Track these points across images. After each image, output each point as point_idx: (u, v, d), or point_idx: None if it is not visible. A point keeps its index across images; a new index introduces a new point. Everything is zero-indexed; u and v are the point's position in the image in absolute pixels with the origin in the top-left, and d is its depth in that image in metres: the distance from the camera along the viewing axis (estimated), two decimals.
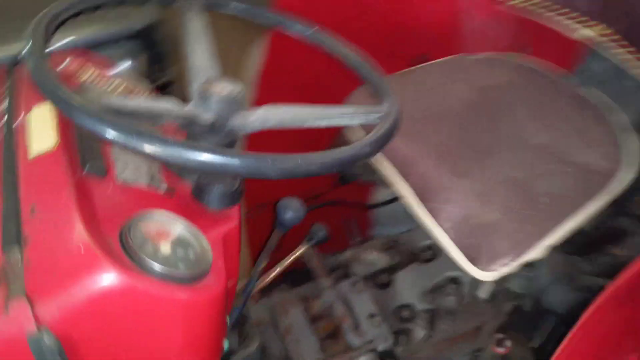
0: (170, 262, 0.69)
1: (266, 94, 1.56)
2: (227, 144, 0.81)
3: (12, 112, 0.83)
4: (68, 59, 0.90)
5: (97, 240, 0.64)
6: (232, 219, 0.82)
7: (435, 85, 1.25)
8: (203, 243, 0.74)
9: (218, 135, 0.79)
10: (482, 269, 0.95)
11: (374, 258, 1.41)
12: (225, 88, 0.79)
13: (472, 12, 1.48)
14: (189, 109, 0.78)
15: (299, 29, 0.96)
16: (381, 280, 1.37)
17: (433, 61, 1.36)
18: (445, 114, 1.15)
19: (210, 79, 0.81)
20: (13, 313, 0.59)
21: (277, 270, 1.29)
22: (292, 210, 1.00)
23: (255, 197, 1.77)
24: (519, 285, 1.29)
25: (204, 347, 0.75)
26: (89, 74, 0.86)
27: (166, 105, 0.75)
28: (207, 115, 0.77)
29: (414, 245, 1.41)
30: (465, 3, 1.49)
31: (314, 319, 1.33)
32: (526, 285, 1.28)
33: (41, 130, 0.77)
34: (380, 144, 0.73)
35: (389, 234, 1.53)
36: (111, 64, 1.00)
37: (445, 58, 1.35)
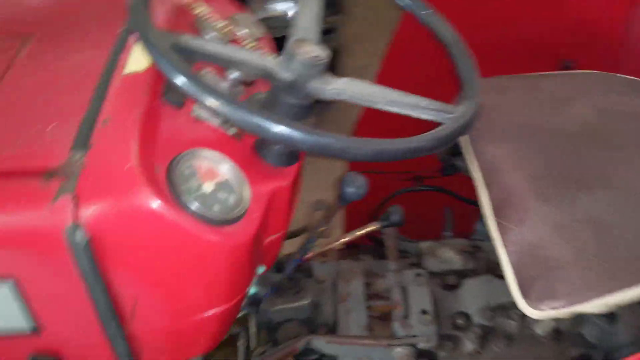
0: (206, 202, 0.74)
1: (386, 73, 1.55)
2: (304, 106, 0.83)
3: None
4: None
5: (144, 162, 0.70)
6: (285, 178, 0.84)
7: (558, 96, 1.13)
8: (245, 192, 0.78)
9: (295, 95, 0.81)
10: (530, 304, 0.88)
11: (449, 257, 1.36)
12: (311, 51, 0.80)
13: None
14: (271, 63, 0.80)
15: (412, 6, 0.93)
16: (448, 281, 1.32)
17: (570, 71, 1.23)
18: (554, 130, 1.05)
19: (302, 40, 0.82)
20: (59, 205, 0.68)
21: (347, 238, 1.30)
22: (354, 186, 1.00)
23: (360, 166, 1.79)
24: (593, 334, 1.18)
25: (220, 288, 0.80)
26: (201, 9, 0.92)
27: (247, 55, 0.78)
28: (287, 74, 0.79)
29: (494, 257, 1.33)
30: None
31: (371, 297, 1.33)
32: (601, 337, 1.17)
33: (141, 52, 0.85)
34: (430, 148, 0.70)
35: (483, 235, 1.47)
36: (228, 3, 1.05)
37: (584, 71, 1.22)
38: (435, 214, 1.76)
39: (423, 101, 0.79)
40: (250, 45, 0.96)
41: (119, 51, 0.86)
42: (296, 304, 1.27)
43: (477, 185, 1.06)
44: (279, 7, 2.35)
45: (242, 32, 1.01)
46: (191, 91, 0.66)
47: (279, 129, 0.66)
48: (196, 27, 0.94)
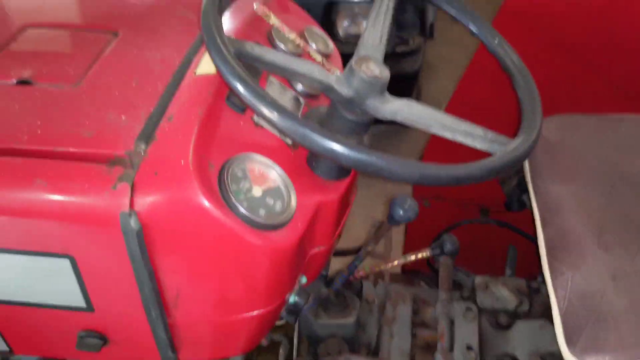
0: (254, 205, 0.76)
1: (458, 98, 1.53)
2: (360, 122, 0.84)
3: None
4: (269, 0, 1.01)
5: (198, 160, 0.74)
6: (333, 192, 0.86)
7: (635, 141, 1.07)
8: (292, 201, 0.80)
9: (352, 111, 0.83)
10: (574, 354, 0.83)
11: (504, 295, 1.31)
12: (372, 70, 0.81)
13: None
14: (331, 78, 0.82)
15: (481, 33, 0.93)
16: (499, 320, 1.28)
17: None
18: (624, 176, 0.99)
19: (366, 57, 0.84)
20: (118, 191, 0.73)
21: (398, 261, 1.29)
22: (402, 208, 0.99)
23: (426, 190, 1.77)
24: None
25: (259, 290, 0.82)
26: (275, 20, 0.96)
27: (307, 68, 0.81)
28: (345, 90, 0.81)
29: None
30: None
31: (417, 324, 1.31)
32: None
33: None
34: (476, 177, 0.69)
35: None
36: (304, 17, 1.09)
37: None
38: (499, 249, 1.71)
39: (478, 130, 0.77)
40: (318, 59, 0.99)
41: (194, 53, 0.91)
42: (341, 321, 1.27)
43: (535, 223, 1.03)
44: (363, 26, 2.39)
45: (312, 46, 1.04)
46: (242, 96, 0.69)
47: (323, 141, 0.67)
48: (270, 37, 0.98)
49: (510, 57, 0.90)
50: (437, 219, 1.71)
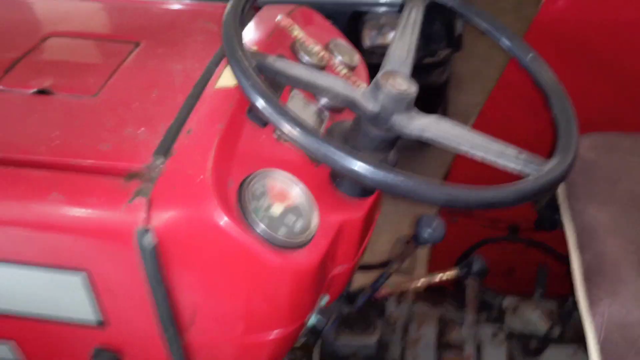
0: (273, 224, 0.73)
1: (486, 114, 1.48)
2: (386, 139, 0.80)
3: None
4: (293, 11, 0.98)
5: (217, 176, 0.71)
6: (357, 210, 0.82)
7: None
8: (313, 219, 0.77)
9: (378, 127, 0.79)
10: None
11: (535, 318, 1.26)
12: (399, 85, 0.77)
13: None
14: (356, 92, 0.79)
15: (514, 48, 0.88)
16: (529, 346, 1.22)
17: None
18: None
19: (393, 72, 0.80)
20: (133, 206, 0.70)
21: (422, 281, 1.25)
22: (430, 228, 0.95)
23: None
24: None
25: (278, 311, 0.79)
26: (299, 32, 0.93)
27: (331, 82, 0.77)
28: (371, 105, 0.78)
29: None
30: None
31: (443, 346, 1.26)
32: None
33: None
34: (508, 201, 0.65)
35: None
36: (329, 29, 1.06)
37: None
38: (527, 268, 1.65)
39: (510, 149, 0.73)
40: (343, 72, 0.96)
41: (215, 65, 0.89)
42: (363, 340, 1.24)
43: (570, 246, 0.98)
44: (390, 37, 2.36)
45: (337, 59, 1.01)
46: (263, 111, 0.66)
47: (346, 161, 0.63)
48: (294, 49, 0.96)
49: (545, 73, 0.86)
50: (465, 235, 1.66)
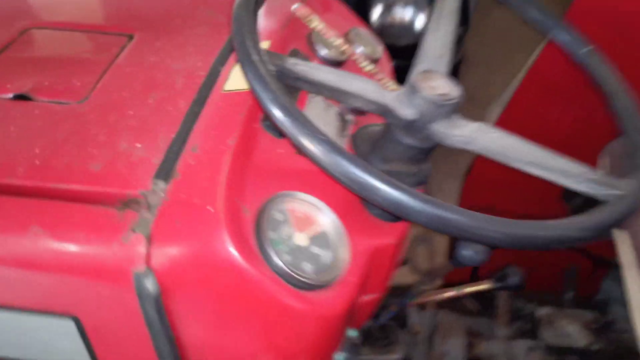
0: (296, 257, 0.61)
1: (512, 112, 1.35)
2: (422, 149, 0.69)
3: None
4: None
5: (229, 204, 0.59)
6: (391, 235, 0.71)
7: None
8: (343, 251, 0.65)
9: (414, 136, 0.68)
10: None
11: (572, 331, 1.15)
12: (440, 87, 0.65)
13: None
14: (389, 97, 0.66)
15: (570, 42, 0.75)
16: None
17: None
18: None
19: (430, 72, 0.68)
20: (131, 243, 0.58)
21: (453, 292, 1.14)
22: (472, 248, 0.83)
23: (476, 198, 1.60)
24: None
25: (301, 356, 0.68)
26: (316, 22, 0.80)
27: (362, 86, 0.65)
28: (407, 111, 0.66)
29: (630, 343, 1.11)
30: None
31: None
32: None
33: None
34: (588, 237, 0.53)
35: (612, 310, 1.24)
36: (349, 17, 0.93)
37: None
38: (550, 266, 1.54)
39: (578, 168, 0.61)
40: (368, 68, 0.83)
41: (222, 62, 0.76)
42: (386, 357, 1.13)
43: (624, 265, 0.86)
44: (404, 16, 2.21)
45: (359, 50, 0.89)
46: (280, 124, 0.54)
47: (386, 193, 0.52)
48: (310, 42, 0.83)
49: (607, 71, 0.73)
50: None
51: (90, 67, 0.78)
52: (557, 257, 1.50)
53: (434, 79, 0.67)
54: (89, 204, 0.61)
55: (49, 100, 0.74)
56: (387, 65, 0.94)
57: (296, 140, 0.53)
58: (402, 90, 0.68)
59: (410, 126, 0.67)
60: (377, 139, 0.74)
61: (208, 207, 0.58)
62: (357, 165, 0.52)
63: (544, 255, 1.53)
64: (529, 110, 1.28)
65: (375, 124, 0.80)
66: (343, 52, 0.85)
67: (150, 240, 0.59)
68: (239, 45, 0.58)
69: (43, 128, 0.70)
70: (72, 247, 0.60)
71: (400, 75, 0.92)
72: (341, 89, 0.64)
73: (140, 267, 0.58)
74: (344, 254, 0.65)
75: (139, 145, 0.66)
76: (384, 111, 0.67)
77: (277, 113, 0.54)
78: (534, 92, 1.26)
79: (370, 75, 0.83)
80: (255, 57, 0.57)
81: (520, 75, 1.30)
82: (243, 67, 0.58)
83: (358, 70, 0.86)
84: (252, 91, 0.57)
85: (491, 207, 1.52)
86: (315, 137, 0.53)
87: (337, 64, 0.85)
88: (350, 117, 0.81)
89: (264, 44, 0.74)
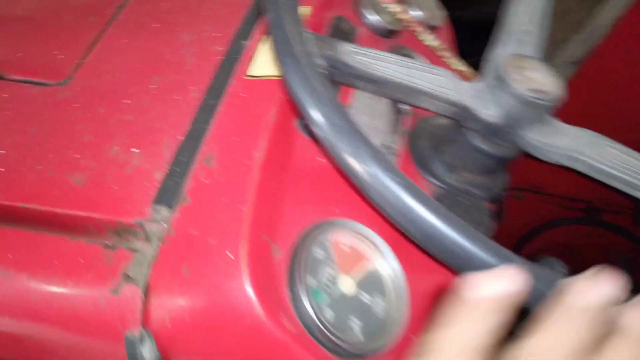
0: (342, 314, 0.46)
1: (580, 94, 1.15)
2: (501, 158, 0.54)
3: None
4: None
5: (255, 245, 0.43)
6: (448, 274, 0.55)
7: None
8: (401, 297, 0.50)
9: (494, 142, 0.52)
10: None
11: None
12: (538, 82, 0.49)
13: None
14: (465, 92, 0.50)
15: None
16: None
17: None
18: None
19: (522, 58, 0.51)
20: (122, 297, 0.43)
21: None
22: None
23: (529, 180, 1.44)
24: None
25: None
26: None
27: (435, 80, 0.48)
28: (490, 111, 0.50)
29: None
30: None
31: None
32: None
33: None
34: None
35: None
36: None
37: None
38: (597, 253, 1.41)
39: None
40: (433, 43, 0.65)
41: (244, 36, 0.58)
42: None
43: None
44: None
45: (416, 14, 0.71)
46: (323, 135, 0.39)
47: (467, 248, 0.37)
48: (356, 6, 0.65)
49: None
50: (530, 215, 1.39)
51: (74, 39, 0.61)
52: (603, 244, 1.36)
53: (529, 68, 0.50)
54: (66, 233, 0.46)
55: (21, 78, 0.58)
56: (448, 36, 0.76)
57: (330, 146, 0.38)
58: (481, 81, 0.51)
59: (491, 130, 0.51)
60: (442, 139, 0.58)
61: (227, 252, 0.43)
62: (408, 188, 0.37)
63: (589, 241, 1.39)
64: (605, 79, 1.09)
65: (435, 119, 0.63)
66: (398, 20, 0.67)
67: (147, 291, 0.43)
68: (274, 22, 0.41)
69: (12, 120, 0.54)
70: (42, 295, 0.45)
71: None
72: (410, 86, 0.47)
73: (134, 329, 0.43)
74: (402, 303, 0.49)
75: (135, 150, 0.50)
76: (461, 112, 0.50)
77: (313, 112, 0.38)
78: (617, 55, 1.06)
79: (434, 54, 0.66)
80: (297, 49, 0.40)
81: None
82: (280, 59, 0.41)
83: (415, 43, 0.68)
84: (292, 98, 0.40)
85: (538, 188, 1.35)
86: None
87: (388, 34, 0.67)
88: (401, 107, 0.64)
89: (305, 10, 0.56)
